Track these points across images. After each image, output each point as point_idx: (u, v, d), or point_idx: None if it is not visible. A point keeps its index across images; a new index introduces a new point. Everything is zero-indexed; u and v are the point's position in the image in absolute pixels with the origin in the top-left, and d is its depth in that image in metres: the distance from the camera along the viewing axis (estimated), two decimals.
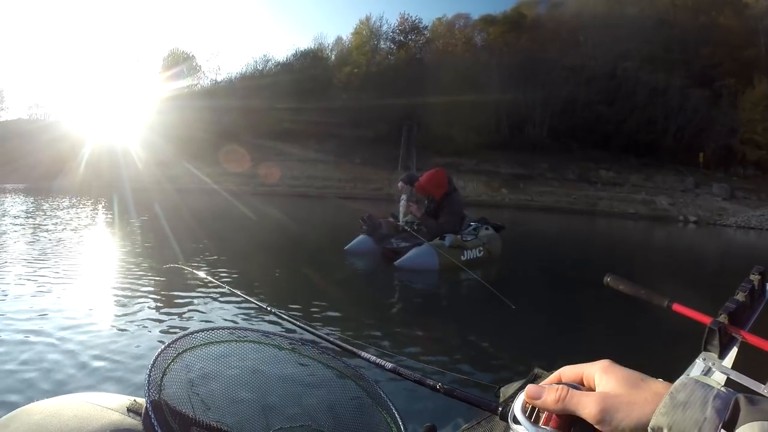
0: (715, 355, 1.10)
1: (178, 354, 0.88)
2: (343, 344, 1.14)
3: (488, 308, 4.61)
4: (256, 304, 1.50)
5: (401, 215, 7.56)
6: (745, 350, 1.13)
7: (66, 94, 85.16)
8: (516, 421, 0.53)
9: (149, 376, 0.76)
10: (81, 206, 15.34)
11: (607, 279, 1.49)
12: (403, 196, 7.51)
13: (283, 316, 1.35)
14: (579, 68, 41.50)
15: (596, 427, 0.47)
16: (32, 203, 15.79)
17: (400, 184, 7.66)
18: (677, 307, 1.31)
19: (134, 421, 0.75)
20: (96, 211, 13.85)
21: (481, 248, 7.19)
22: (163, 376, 0.80)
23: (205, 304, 4.25)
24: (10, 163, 35.52)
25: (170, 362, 0.85)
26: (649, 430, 0.43)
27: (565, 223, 17.75)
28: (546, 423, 0.51)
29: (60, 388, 2.54)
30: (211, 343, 0.99)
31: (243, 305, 4.16)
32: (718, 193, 33.44)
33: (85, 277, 5.21)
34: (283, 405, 1.13)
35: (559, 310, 5.09)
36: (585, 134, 39.71)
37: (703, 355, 1.12)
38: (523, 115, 41.18)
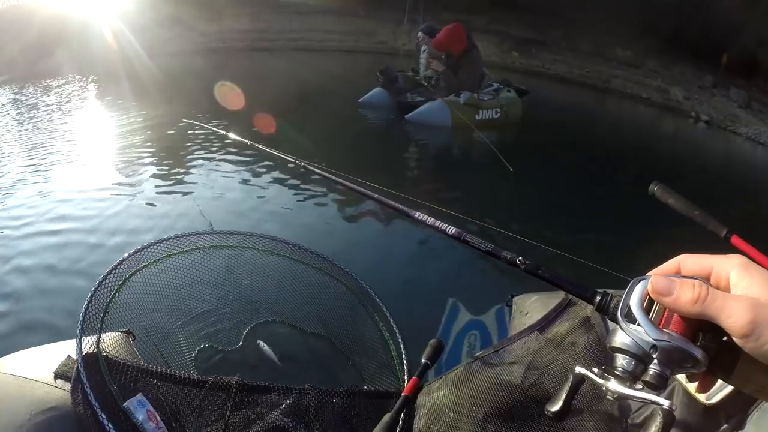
0: None
1: (125, 280, 0.75)
2: (394, 203, 0.90)
3: (495, 171, 4.51)
4: (281, 155, 1.30)
5: (422, 68, 7.25)
6: None
7: None
8: (630, 319, 0.41)
9: (82, 321, 0.64)
10: (71, 84, 14.47)
11: (654, 188, 1.24)
12: (424, 47, 7.11)
13: (314, 168, 1.17)
14: None
15: (738, 341, 0.36)
16: (18, 92, 14.84)
17: (419, 34, 7.27)
18: (737, 241, 1.10)
19: (61, 393, 0.63)
20: (88, 87, 13.07)
21: (498, 110, 7.00)
22: (103, 316, 0.68)
23: (220, 159, 4.16)
24: None
25: (114, 293, 0.72)
26: None
27: (576, 96, 17.13)
28: (665, 325, 0.39)
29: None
30: (169, 256, 0.85)
31: (258, 158, 4.02)
32: (735, 98, 31.89)
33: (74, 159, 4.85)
34: (256, 307, 1.07)
35: (564, 185, 5.03)
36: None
37: None
38: None
